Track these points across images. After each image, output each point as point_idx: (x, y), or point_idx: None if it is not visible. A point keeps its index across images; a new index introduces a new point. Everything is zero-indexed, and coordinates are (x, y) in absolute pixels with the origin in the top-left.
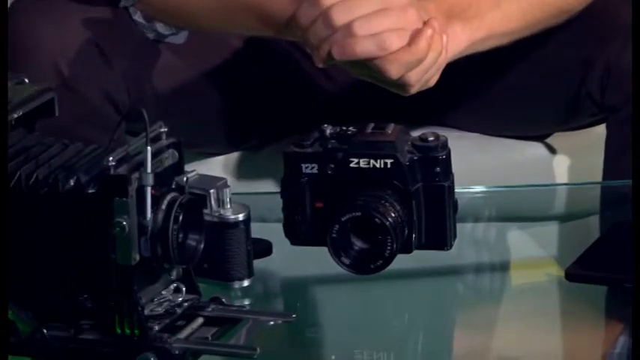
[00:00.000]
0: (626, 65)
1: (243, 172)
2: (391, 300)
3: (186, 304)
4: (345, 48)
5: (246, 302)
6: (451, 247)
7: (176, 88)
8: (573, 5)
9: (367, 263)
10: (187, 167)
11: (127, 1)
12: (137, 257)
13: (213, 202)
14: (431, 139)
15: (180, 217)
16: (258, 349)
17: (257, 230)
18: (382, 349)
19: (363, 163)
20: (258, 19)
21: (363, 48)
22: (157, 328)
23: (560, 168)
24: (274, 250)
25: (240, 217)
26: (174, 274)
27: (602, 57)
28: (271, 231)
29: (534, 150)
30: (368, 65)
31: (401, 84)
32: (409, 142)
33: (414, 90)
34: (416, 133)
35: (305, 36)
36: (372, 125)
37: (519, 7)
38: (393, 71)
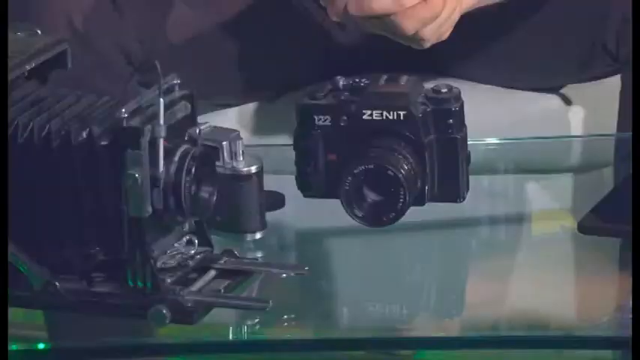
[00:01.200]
0: None
1: (255, 123)
2: (404, 252)
3: (198, 256)
4: (361, 3)
5: (259, 255)
6: (464, 200)
7: (189, 39)
8: None
9: (380, 215)
10: (200, 119)
11: None
12: (149, 209)
13: (225, 154)
14: (444, 90)
15: (193, 169)
16: (270, 301)
17: (270, 182)
18: (395, 302)
19: (376, 115)
20: None
21: (380, 3)
22: (169, 280)
23: (575, 119)
24: (287, 202)
25: (253, 169)
26: (186, 227)
27: (618, 8)
28: (284, 183)
29: (548, 101)
30: (383, 20)
31: (415, 39)
32: (422, 94)
33: (427, 44)
34: (429, 85)
35: None
36: (385, 77)
37: None
38: (409, 27)
